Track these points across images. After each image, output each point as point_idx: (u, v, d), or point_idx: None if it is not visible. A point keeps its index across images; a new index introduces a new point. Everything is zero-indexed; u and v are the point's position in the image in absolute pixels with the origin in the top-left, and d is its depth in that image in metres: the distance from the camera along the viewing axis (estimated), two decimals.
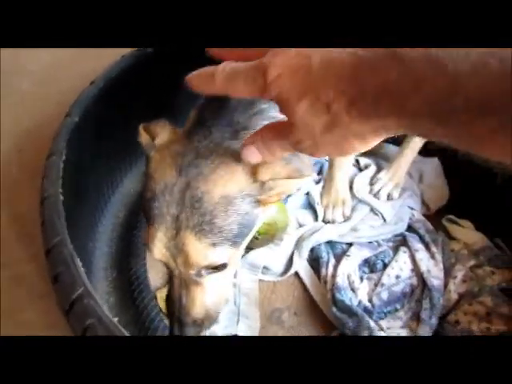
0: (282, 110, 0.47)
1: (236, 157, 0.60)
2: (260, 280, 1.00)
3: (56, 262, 0.66)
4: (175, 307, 0.67)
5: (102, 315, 0.59)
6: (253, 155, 0.54)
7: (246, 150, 0.54)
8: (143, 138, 0.68)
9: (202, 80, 0.52)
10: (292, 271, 1.01)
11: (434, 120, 0.36)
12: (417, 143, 1.10)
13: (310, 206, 1.10)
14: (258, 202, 0.62)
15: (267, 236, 0.96)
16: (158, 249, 0.61)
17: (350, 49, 0.41)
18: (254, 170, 0.60)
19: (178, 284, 0.65)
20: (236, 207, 0.60)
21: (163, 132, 0.67)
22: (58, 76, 0.84)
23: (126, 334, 0.57)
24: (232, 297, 0.96)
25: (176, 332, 0.67)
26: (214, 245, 0.60)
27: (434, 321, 0.91)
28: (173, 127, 0.68)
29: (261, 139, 0.53)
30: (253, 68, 0.47)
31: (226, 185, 0.59)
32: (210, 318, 0.69)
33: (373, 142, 0.45)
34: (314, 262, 1.03)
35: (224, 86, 0.49)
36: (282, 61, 0.44)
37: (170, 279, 0.66)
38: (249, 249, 1.00)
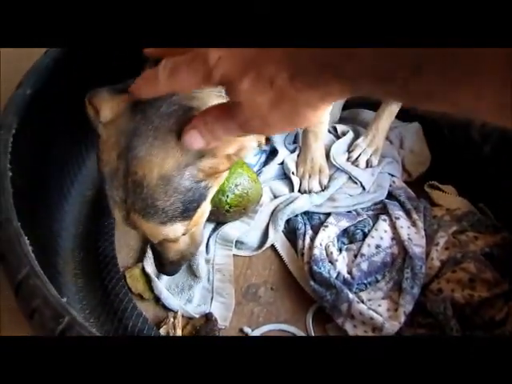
0: (227, 93, 0.46)
1: (171, 127, 0.57)
2: (234, 255, 0.96)
3: (1, 241, 0.61)
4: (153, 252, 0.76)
5: (49, 296, 0.54)
6: (195, 141, 0.51)
7: (186, 135, 0.52)
8: (90, 111, 0.64)
9: (146, 85, 0.52)
10: (268, 245, 0.97)
11: (372, 82, 0.37)
12: (394, 107, 1.05)
13: (285, 176, 1.05)
14: (203, 174, 0.59)
15: (239, 208, 0.91)
16: (120, 221, 0.64)
17: None
18: None
19: None
20: (175, 185, 0.58)
21: (105, 108, 0.62)
22: None
23: (74, 314, 0.53)
24: (206, 273, 0.92)
25: (158, 269, 0.78)
26: (163, 223, 0.61)
27: (416, 290, 0.87)
28: (115, 99, 0.62)
29: (203, 122, 0.50)
30: (193, 57, 0.46)
31: (162, 164, 0.57)
32: (186, 257, 0.75)
33: (324, 109, 0.44)
34: (291, 234, 0.99)
35: (169, 84, 0.48)
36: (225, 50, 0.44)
37: None
38: (221, 223, 0.95)
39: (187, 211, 0.61)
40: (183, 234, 0.66)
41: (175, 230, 0.63)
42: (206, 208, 0.67)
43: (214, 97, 0.62)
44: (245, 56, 0.42)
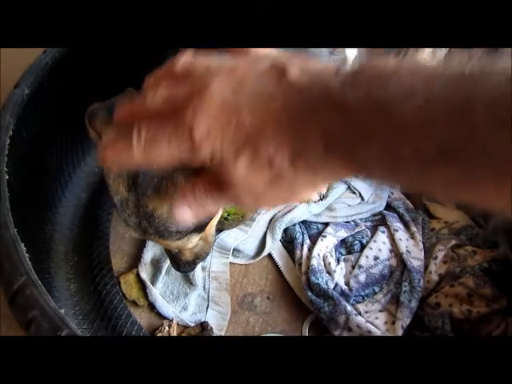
0: (217, 171, 0.39)
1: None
2: (231, 263, 0.95)
3: None
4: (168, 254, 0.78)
5: (46, 307, 0.53)
6: (185, 215, 0.44)
7: (177, 209, 0.45)
8: (92, 134, 0.64)
9: (118, 153, 0.41)
10: (265, 253, 0.95)
11: (384, 170, 0.33)
12: None
13: None
14: None
15: (237, 216, 0.90)
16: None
17: (280, 88, 0.35)
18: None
19: None
20: None
21: (106, 132, 0.61)
22: None
23: (73, 327, 0.51)
24: (202, 281, 0.91)
25: (175, 269, 0.80)
26: (178, 239, 0.63)
27: (414, 303, 0.86)
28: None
29: (192, 196, 0.44)
30: (175, 128, 0.38)
31: (171, 200, 0.56)
32: (201, 257, 0.77)
33: (324, 187, 0.41)
34: (288, 243, 0.98)
35: (145, 156, 0.39)
36: (208, 115, 0.37)
37: None
38: (218, 230, 0.94)
39: (200, 227, 0.63)
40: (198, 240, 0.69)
41: (191, 241, 0.66)
42: (217, 214, 0.69)
43: None
44: (239, 131, 0.36)
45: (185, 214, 0.44)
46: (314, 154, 0.35)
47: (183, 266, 0.76)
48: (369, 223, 1.01)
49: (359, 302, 0.89)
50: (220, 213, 0.70)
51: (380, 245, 0.95)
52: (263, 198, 0.39)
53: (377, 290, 0.91)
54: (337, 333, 0.85)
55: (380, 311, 0.88)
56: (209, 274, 0.92)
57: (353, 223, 1.00)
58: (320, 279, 0.88)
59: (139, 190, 0.58)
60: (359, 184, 1.03)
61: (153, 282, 0.90)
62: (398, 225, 0.98)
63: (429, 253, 0.94)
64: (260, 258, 0.95)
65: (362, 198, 1.02)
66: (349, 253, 0.96)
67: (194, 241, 0.66)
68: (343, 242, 0.97)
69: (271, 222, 0.98)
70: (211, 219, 0.65)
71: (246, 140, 0.36)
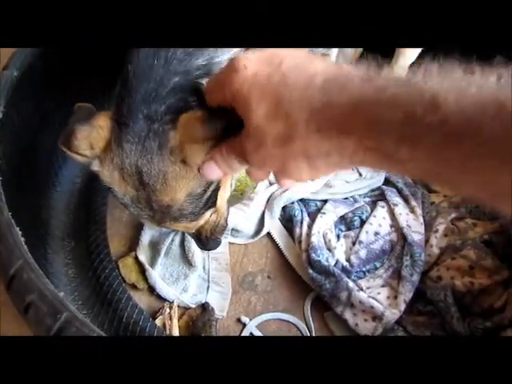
0: (239, 111, 0.45)
1: (169, 157, 0.57)
2: (230, 243, 0.94)
3: None
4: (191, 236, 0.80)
5: (45, 290, 0.51)
6: (213, 172, 0.54)
7: (206, 167, 0.54)
8: (77, 158, 0.60)
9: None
10: (264, 232, 0.94)
11: (403, 139, 0.35)
12: None
13: None
14: None
15: (236, 193, 0.89)
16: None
17: (324, 63, 0.41)
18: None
19: None
20: (198, 192, 0.60)
21: (96, 139, 0.58)
22: None
23: (73, 310, 0.50)
24: (201, 261, 0.90)
25: (202, 248, 0.80)
26: (193, 220, 0.64)
27: (416, 277, 0.86)
28: (93, 126, 0.58)
29: (220, 155, 0.53)
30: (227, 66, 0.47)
31: (188, 187, 0.59)
32: (220, 230, 0.76)
33: (321, 172, 0.44)
34: (287, 221, 0.97)
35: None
36: (256, 55, 0.44)
37: None
38: None
39: (210, 202, 0.64)
40: (211, 214, 0.70)
41: (204, 217, 0.66)
42: (226, 187, 0.69)
43: None
44: (271, 78, 0.42)
45: (212, 171, 0.54)
46: (332, 113, 0.39)
47: (206, 242, 0.76)
48: (368, 199, 1.00)
49: (360, 278, 0.89)
50: (229, 187, 0.70)
51: (380, 220, 0.94)
52: (268, 155, 0.44)
53: (378, 265, 0.90)
54: (339, 309, 0.84)
55: (382, 286, 0.87)
56: (208, 255, 0.91)
57: (351, 199, 0.99)
58: (321, 256, 0.88)
59: (148, 188, 0.58)
60: None
61: (152, 265, 0.89)
62: (397, 199, 0.97)
63: (429, 226, 0.93)
64: (259, 237, 0.95)
65: (360, 174, 1.01)
66: (348, 229, 0.95)
67: (206, 216, 0.67)
68: (342, 218, 0.96)
69: (269, 201, 0.96)
70: (217, 192, 0.65)
71: (273, 88, 0.42)
